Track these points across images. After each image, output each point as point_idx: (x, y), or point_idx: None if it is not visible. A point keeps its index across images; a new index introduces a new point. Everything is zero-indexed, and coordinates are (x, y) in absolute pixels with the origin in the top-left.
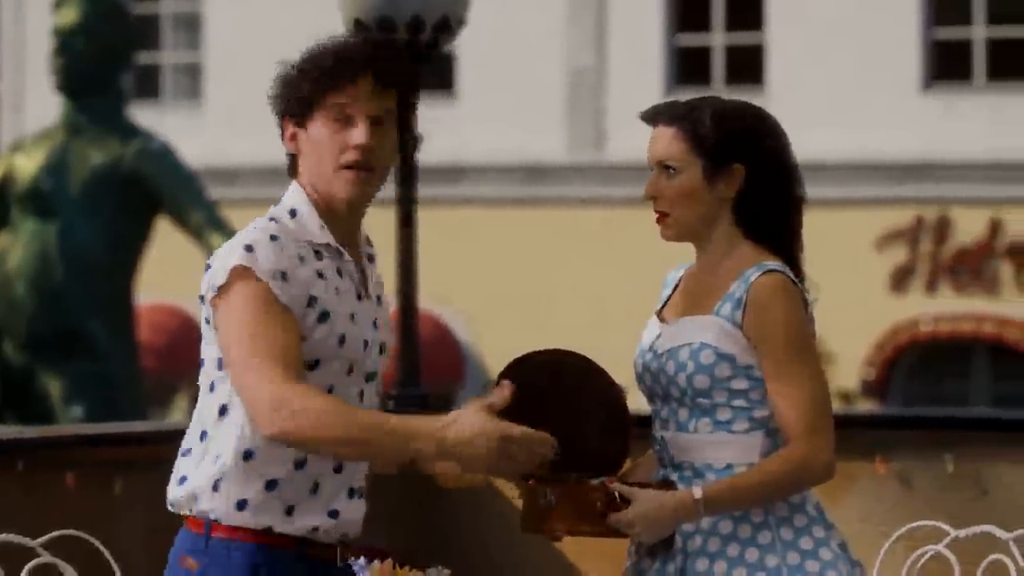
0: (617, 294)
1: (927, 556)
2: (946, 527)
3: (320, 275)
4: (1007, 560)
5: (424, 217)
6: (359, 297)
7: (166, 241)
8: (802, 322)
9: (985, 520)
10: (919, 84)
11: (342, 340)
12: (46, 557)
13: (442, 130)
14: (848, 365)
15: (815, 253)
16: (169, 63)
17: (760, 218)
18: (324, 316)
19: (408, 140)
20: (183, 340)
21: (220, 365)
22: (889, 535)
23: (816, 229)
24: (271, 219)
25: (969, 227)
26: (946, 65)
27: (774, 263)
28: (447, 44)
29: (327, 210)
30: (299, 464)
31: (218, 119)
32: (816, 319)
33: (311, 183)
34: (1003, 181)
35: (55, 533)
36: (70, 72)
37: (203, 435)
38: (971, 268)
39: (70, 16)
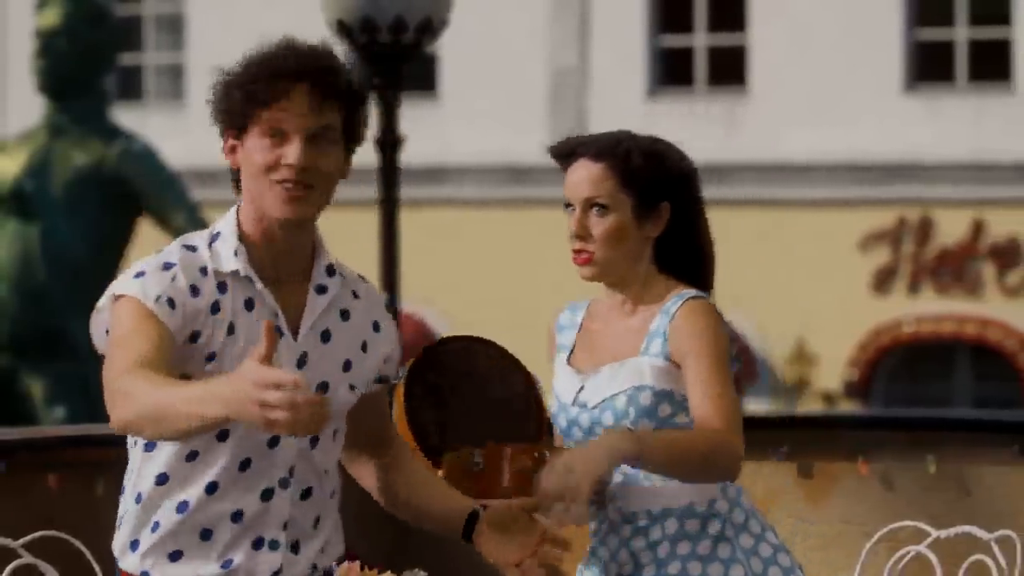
0: (600, 293)
1: (909, 556)
2: (928, 528)
3: (215, 309)
4: (988, 560)
5: (407, 218)
6: (280, 333)
7: (148, 242)
8: (724, 338)
9: (966, 521)
10: (902, 85)
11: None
12: (28, 558)
13: (425, 131)
14: (831, 366)
15: (798, 254)
16: (152, 64)
17: (680, 255)
18: (210, 357)
19: (390, 142)
20: None
21: None
22: (871, 535)
23: (798, 230)
24: (189, 245)
25: (951, 228)
26: (929, 66)
27: (693, 291)
28: (429, 45)
29: (261, 233)
30: (180, 508)
31: (201, 120)
32: (798, 321)
33: (249, 199)
34: (985, 182)
35: (37, 534)
36: (52, 73)
37: (139, 498)
38: (953, 269)
39: (52, 17)
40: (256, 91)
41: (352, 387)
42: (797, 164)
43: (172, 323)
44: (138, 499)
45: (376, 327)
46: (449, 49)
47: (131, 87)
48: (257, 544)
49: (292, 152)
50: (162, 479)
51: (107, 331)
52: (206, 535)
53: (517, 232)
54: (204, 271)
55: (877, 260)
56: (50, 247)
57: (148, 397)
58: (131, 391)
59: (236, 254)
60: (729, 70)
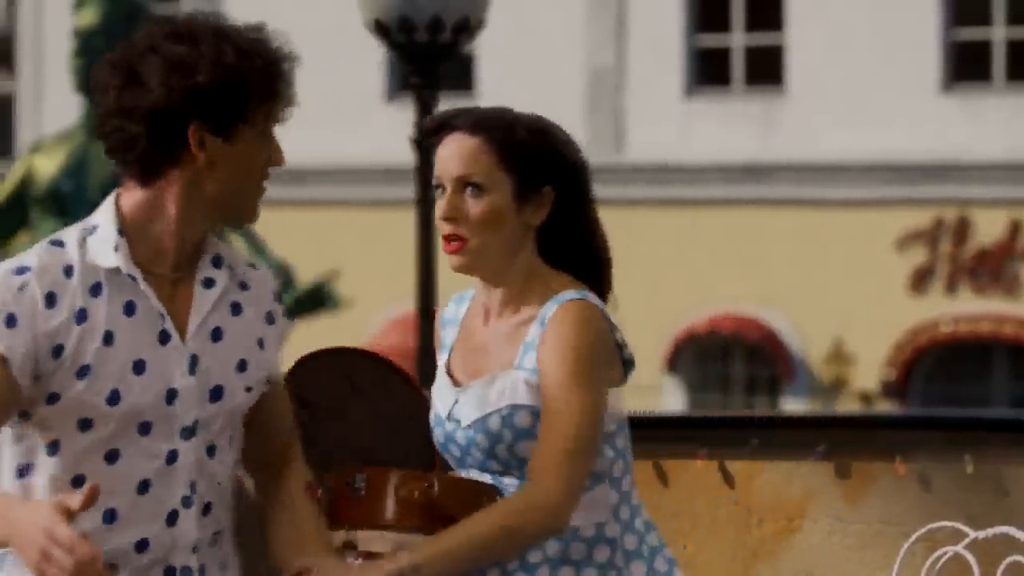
0: (635, 296)
1: (946, 557)
2: (965, 528)
3: (81, 317)
4: None
5: None
6: (164, 338)
7: None
8: (590, 347)
9: (1004, 521)
10: (939, 85)
11: (114, 398)
12: None
13: None
14: (868, 366)
15: (835, 254)
16: None
17: (565, 247)
18: (83, 371)
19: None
20: None
21: None
22: (909, 536)
23: (835, 230)
24: (55, 241)
25: (989, 228)
26: (966, 66)
27: (572, 292)
28: (466, 45)
29: (155, 228)
30: (108, 517)
31: None
32: (836, 320)
33: (199, 198)
34: (1023, 182)
35: None
36: (90, 72)
37: None
38: (991, 269)
39: (90, 17)
40: (268, 85)
41: (248, 388)
42: (834, 164)
43: (8, 345)
44: None
45: (270, 319)
46: (486, 49)
47: None
48: (168, 574)
49: (280, 152)
50: None
51: None
52: (109, 570)
53: None
54: (69, 271)
55: (914, 260)
56: None
57: None
58: None
59: (116, 249)
60: (766, 70)
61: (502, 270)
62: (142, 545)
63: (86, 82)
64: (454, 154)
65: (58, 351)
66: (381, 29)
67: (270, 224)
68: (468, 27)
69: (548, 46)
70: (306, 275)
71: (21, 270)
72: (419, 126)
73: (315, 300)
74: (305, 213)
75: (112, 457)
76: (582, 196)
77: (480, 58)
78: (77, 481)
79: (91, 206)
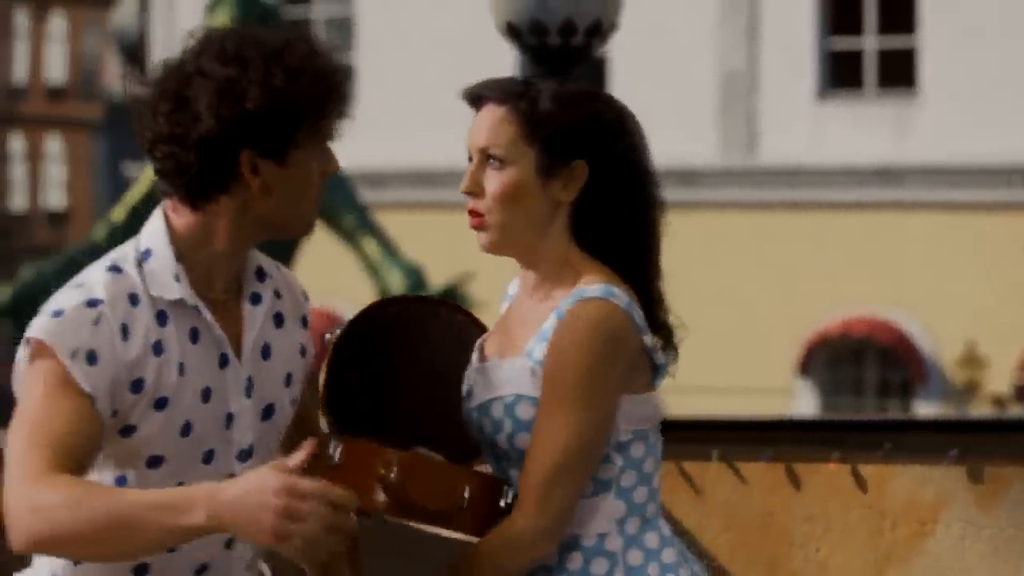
0: (768, 299)
1: None
2: None
3: (157, 350)
4: None
5: None
6: (223, 363)
7: (318, 245)
8: (597, 364)
9: None
10: None
11: (186, 429)
12: None
13: None
14: (1001, 370)
15: (967, 257)
16: None
17: (602, 231)
18: (161, 403)
19: None
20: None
21: None
22: None
23: (968, 233)
24: (113, 267)
25: None
26: None
27: (595, 288)
28: (599, 48)
29: (208, 252)
30: (140, 571)
31: (370, 123)
32: (965, 324)
33: (249, 219)
34: None
35: None
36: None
37: None
38: None
39: (222, 20)
40: (321, 104)
41: (294, 401)
42: (966, 167)
43: (93, 383)
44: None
45: (304, 323)
46: (618, 52)
47: None
48: None
49: (335, 159)
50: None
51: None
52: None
53: (685, 235)
54: (135, 300)
55: None
56: None
57: (85, 509)
58: (52, 502)
59: (177, 279)
60: (898, 72)
61: (531, 249)
62: (202, 570)
63: None
64: (479, 125)
65: (138, 385)
66: (513, 32)
67: (403, 227)
68: (601, 30)
69: (680, 49)
70: (439, 278)
71: (93, 302)
72: None
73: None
74: (438, 216)
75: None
76: (623, 173)
77: (612, 61)
78: None
79: None
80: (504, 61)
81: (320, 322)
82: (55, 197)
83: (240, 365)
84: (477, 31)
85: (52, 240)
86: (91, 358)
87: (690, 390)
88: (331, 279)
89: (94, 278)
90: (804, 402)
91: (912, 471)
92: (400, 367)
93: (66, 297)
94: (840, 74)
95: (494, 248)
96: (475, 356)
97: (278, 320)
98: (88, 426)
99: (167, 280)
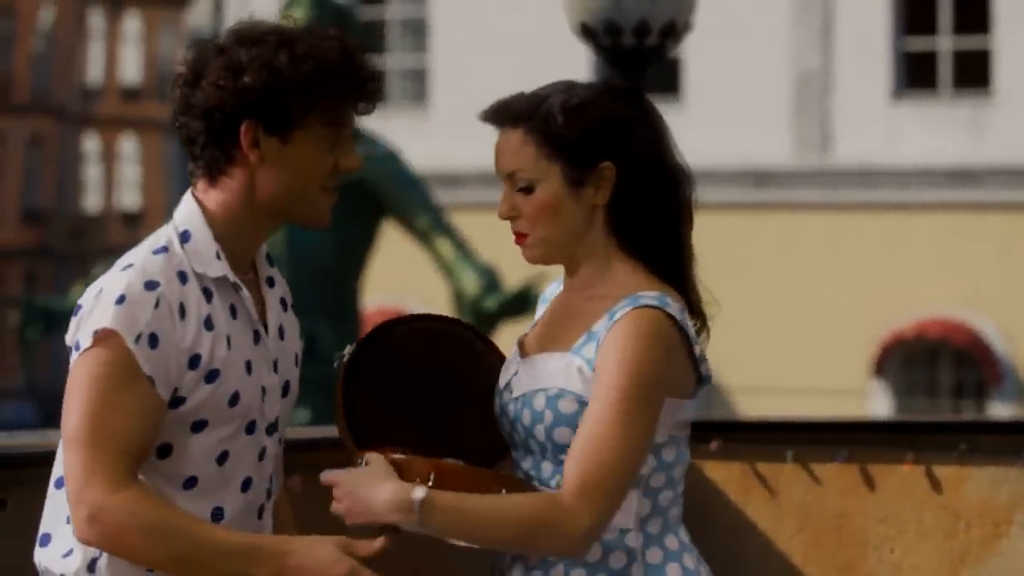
0: (842, 299)
1: None
2: None
3: (208, 325)
4: None
5: None
6: (257, 338)
7: (392, 245)
8: (653, 371)
9: None
10: None
11: (235, 399)
12: None
13: None
14: None
15: None
16: (396, 68)
17: (639, 228)
18: (212, 375)
19: None
20: None
21: None
22: None
23: None
24: (159, 249)
25: None
26: None
27: (651, 295)
28: (673, 48)
29: (233, 231)
30: (216, 516)
31: (444, 123)
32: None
33: (255, 198)
34: None
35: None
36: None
37: (69, 518)
38: None
39: (297, 20)
40: (331, 87)
41: (299, 381)
42: None
43: (154, 367)
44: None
45: (291, 307)
46: (693, 52)
47: None
48: None
49: (354, 156)
50: None
51: (79, 351)
52: None
53: (759, 236)
54: (184, 278)
55: None
56: (294, 250)
57: (171, 538)
58: (129, 522)
59: (219, 257)
60: (974, 73)
61: (573, 255)
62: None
63: None
64: (500, 150)
65: (195, 361)
66: (588, 33)
67: (478, 227)
68: (675, 30)
69: (754, 49)
70: (513, 278)
71: (152, 284)
72: None
73: (522, 303)
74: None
75: (222, 458)
76: (650, 165)
77: (686, 62)
78: (189, 483)
79: None
80: (578, 62)
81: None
82: (129, 197)
83: (268, 342)
84: (551, 32)
85: (126, 240)
86: (153, 341)
87: (765, 391)
88: (405, 279)
89: (144, 260)
90: (879, 403)
91: (987, 472)
92: (409, 384)
93: (120, 281)
94: (914, 74)
95: (539, 260)
96: (515, 350)
97: (284, 304)
98: (151, 416)
99: (210, 258)
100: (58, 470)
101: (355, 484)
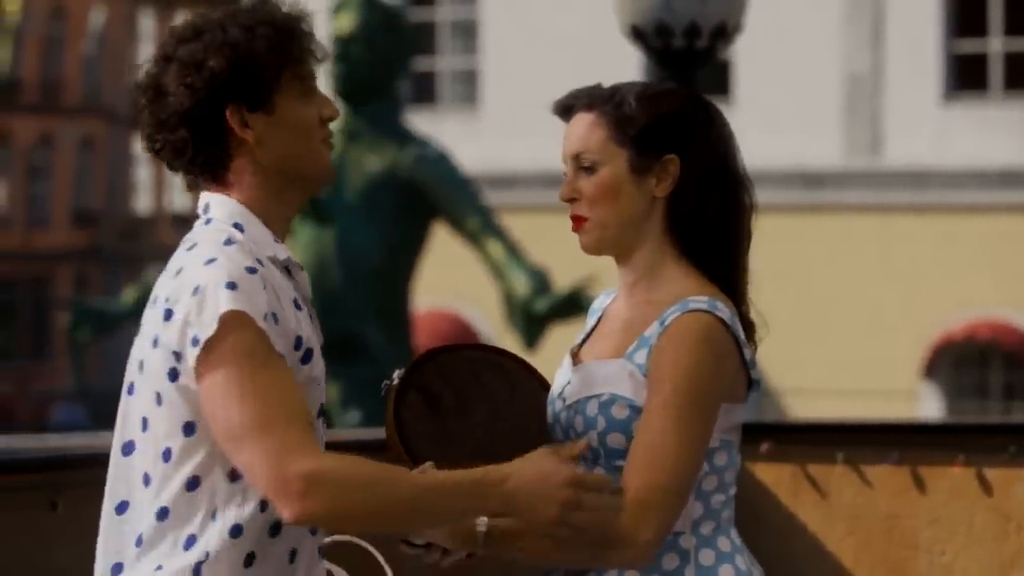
0: (892, 301)
1: None
2: None
3: (297, 305)
4: None
5: None
6: (311, 320)
7: (442, 247)
8: (707, 376)
9: None
10: None
11: (319, 380)
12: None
13: None
14: None
15: None
16: (446, 69)
17: (695, 226)
18: (307, 356)
19: None
20: None
21: (189, 430)
22: None
23: None
24: (228, 241)
25: None
26: None
27: (701, 300)
28: (723, 50)
29: (268, 214)
30: (274, 531)
31: (495, 125)
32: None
33: (267, 176)
34: None
35: (329, 539)
36: (348, 78)
37: (164, 513)
38: None
39: (348, 23)
40: (290, 47)
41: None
42: None
43: (281, 345)
44: (235, 532)
45: None
46: (743, 54)
47: (426, 92)
48: (319, 554)
49: (331, 105)
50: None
51: (202, 347)
52: (293, 556)
53: (809, 238)
54: (262, 263)
55: None
56: (345, 252)
57: (393, 486)
58: (352, 482)
59: (276, 241)
60: None
61: (629, 244)
62: (293, 556)
63: (345, 87)
64: (571, 133)
65: (299, 342)
66: (638, 35)
67: (528, 229)
68: (725, 32)
69: (805, 51)
70: (563, 280)
71: (251, 269)
72: None
73: (571, 305)
74: (563, 218)
75: None
76: (713, 165)
77: (737, 63)
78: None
79: (348, 211)
80: (628, 63)
81: (439, 324)
82: (180, 199)
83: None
84: (602, 33)
85: (176, 242)
86: (275, 320)
87: (815, 393)
88: (455, 282)
89: (223, 251)
90: (929, 405)
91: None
92: (457, 406)
93: (217, 272)
94: (965, 76)
95: (595, 247)
96: (567, 360)
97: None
98: (301, 390)
99: (270, 242)
100: (119, 493)
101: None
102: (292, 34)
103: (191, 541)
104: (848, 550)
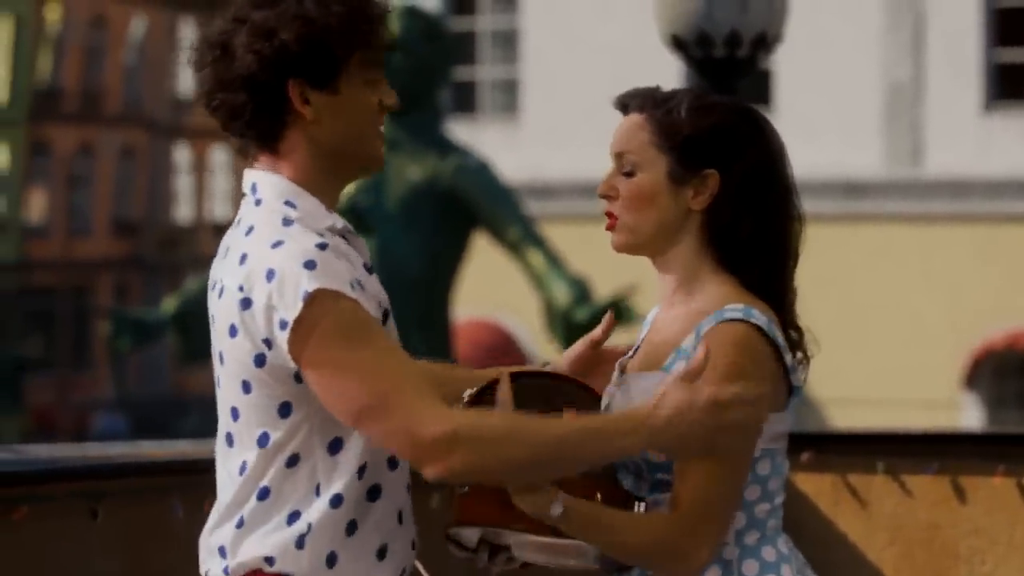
0: (933, 311)
1: None
2: None
3: (368, 269)
4: None
5: None
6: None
7: (483, 256)
8: (747, 382)
9: None
10: None
11: (396, 340)
12: None
13: None
14: None
15: None
16: (487, 79)
17: (732, 242)
18: (386, 316)
19: None
20: (501, 355)
21: (285, 411)
22: None
23: None
24: (285, 220)
25: None
26: None
27: (736, 308)
28: (764, 60)
29: (317, 188)
30: (372, 495)
31: (535, 134)
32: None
33: (321, 153)
34: None
35: None
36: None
37: (264, 493)
38: None
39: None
40: (363, 30)
41: None
42: None
43: (372, 307)
44: (335, 502)
45: None
46: (784, 63)
47: (466, 101)
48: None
49: (391, 94)
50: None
51: (291, 330)
52: (400, 518)
53: (850, 247)
54: (324, 235)
55: None
56: (386, 261)
57: (536, 433)
58: (494, 434)
59: (330, 213)
60: None
61: (662, 253)
62: (409, 485)
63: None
64: (618, 131)
65: (382, 304)
66: (678, 44)
67: (569, 238)
68: (766, 41)
69: (845, 60)
70: (604, 289)
71: (321, 244)
72: None
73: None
74: (602, 227)
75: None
76: (755, 185)
77: (778, 73)
78: (361, 472)
79: (389, 221)
80: (669, 72)
81: (479, 334)
82: (220, 208)
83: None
84: (642, 43)
85: (217, 251)
86: (360, 286)
87: (855, 403)
88: (496, 291)
89: (286, 232)
90: (969, 415)
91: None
92: None
93: (290, 252)
94: (1006, 85)
95: (624, 247)
96: (616, 374)
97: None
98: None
99: (324, 215)
100: (241, 456)
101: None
102: (367, 17)
103: (294, 517)
104: (888, 560)
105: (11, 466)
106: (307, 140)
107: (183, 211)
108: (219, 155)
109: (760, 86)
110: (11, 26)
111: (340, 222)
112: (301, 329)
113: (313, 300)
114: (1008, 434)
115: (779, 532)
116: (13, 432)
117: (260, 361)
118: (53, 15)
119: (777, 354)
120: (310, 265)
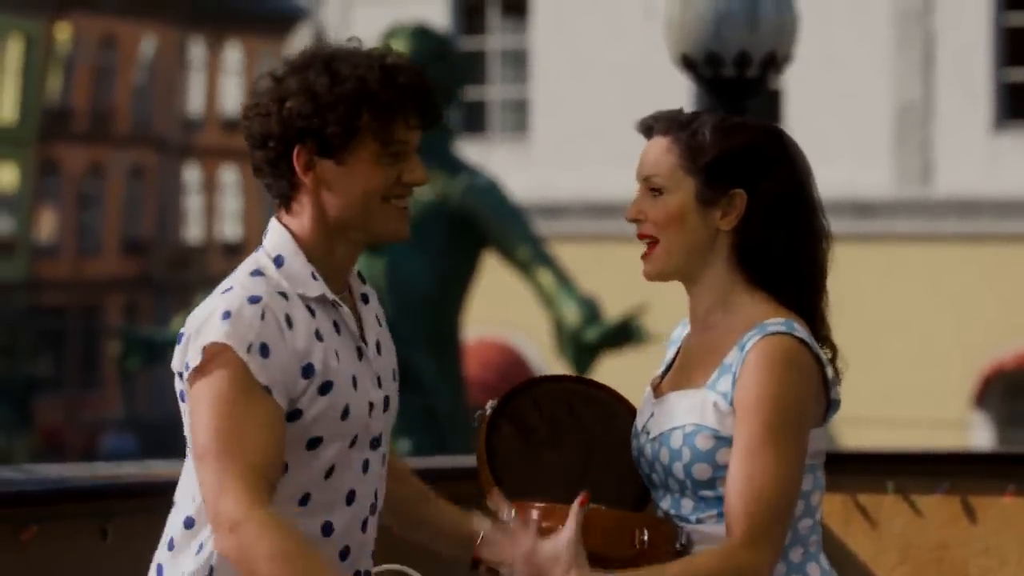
0: (943, 330)
1: None
2: None
3: (318, 336)
4: None
5: None
6: (360, 355)
7: (492, 276)
8: (796, 399)
9: None
10: None
11: (345, 412)
12: None
13: None
14: None
15: None
16: (497, 98)
17: (762, 260)
18: (326, 387)
19: None
20: (512, 375)
21: None
22: None
23: None
24: (255, 272)
25: None
26: None
27: (779, 322)
28: (774, 80)
29: (321, 252)
30: (326, 531)
31: (545, 154)
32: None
33: (326, 219)
34: None
35: (382, 567)
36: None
37: (189, 523)
38: None
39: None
40: (384, 104)
41: (398, 394)
42: None
43: (269, 376)
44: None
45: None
46: (794, 83)
47: (476, 121)
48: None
49: (418, 170)
50: None
51: (191, 372)
52: (345, 554)
53: (860, 267)
54: (285, 296)
55: None
56: (396, 281)
57: (294, 569)
58: (272, 553)
59: (315, 277)
60: None
61: (693, 275)
62: (345, 554)
63: None
64: (644, 155)
65: (308, 370)
66: (688, 64)
67: (579, 258)
68: (776, 61)
69: (855, 80)
70: (614, 309)
71: (255, 299)
72: None
73: (623, 335)
74: (614, 247)
75: (329, 472)
76: (783, 204)
77: (788, 93)
78: (304, 500)
79: (399, 242)
80: (678, 92)
81: (489, 354)
82: (230, 228)
83: (370, 358)
84: (652, 63)
85: (227, 271)
86: (264, 351)
87: (865, 422)
88: (506, 311)
89: (243, 281)
90: (980, 434)
91: None
92: (548, 438)
93: (223, 301)
94: (1016, 105)
95: (656, 274)
96: (648, 393)
97: (378, 320)
98: (275, 428)
99: (306, 279)
100: (182, 492)
101: (541, 567)
102: (378, 96)
103: (200, 548)
104: None
105: (20, 486)
106: (314, 205)
107: (193, 231)
108: (229, 175)
109: (770, 106)
110: (21, 46)
111: (318, 292)
112: (192, 376)
113: (207, 352)
114: (1018, 454)
115: (820, 549)
116: (22, 451)
117: (183, 396)
118: (63, 35)
119: (820, 367)
120: (226, 316)
